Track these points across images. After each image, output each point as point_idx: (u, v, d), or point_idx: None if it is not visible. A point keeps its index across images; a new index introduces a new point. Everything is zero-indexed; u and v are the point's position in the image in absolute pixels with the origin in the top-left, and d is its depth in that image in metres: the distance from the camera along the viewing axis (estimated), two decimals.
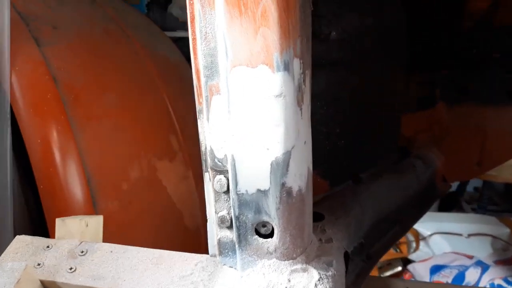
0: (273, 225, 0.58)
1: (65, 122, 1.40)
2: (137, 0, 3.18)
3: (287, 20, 0.50)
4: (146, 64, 1.75)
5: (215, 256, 0.66)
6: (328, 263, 0.63)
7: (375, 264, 0.80)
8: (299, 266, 0.60)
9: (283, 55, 0.51)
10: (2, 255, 0.82)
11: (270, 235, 0.59)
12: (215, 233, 0.64)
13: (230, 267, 0.65)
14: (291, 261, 0.59)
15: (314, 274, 0.59)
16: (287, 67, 0.51)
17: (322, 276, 0.59)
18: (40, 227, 1.41)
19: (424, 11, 1.04)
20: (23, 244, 0.85)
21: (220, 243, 0.63)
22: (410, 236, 2.13)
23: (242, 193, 0.58)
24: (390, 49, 0.97)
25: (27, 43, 1.42)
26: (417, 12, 1.03)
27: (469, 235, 2.17)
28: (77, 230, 0.91)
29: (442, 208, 2.70)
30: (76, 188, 1.40)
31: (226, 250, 0.63)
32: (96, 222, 0.97)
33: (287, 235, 0.58)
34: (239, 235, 0.60)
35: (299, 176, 0.57)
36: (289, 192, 0.56)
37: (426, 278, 1.88)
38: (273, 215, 0.57)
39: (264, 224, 0.59)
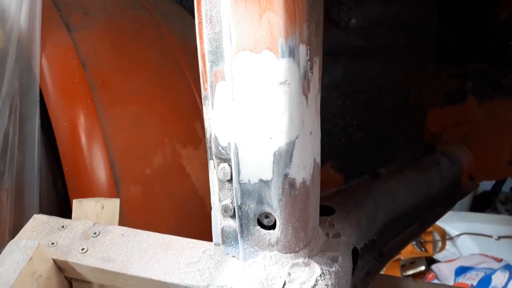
0: (275, 216, 0.57)
1: (91, 106, 1.43)
2: None
3: (293, 4, 0.48)
4: (174, 51, 1.76)
5: (218, 245, 0.65)
6: (333, 258, 0.60)
7: (387, 262, 0.77)
8: (301, 260, 0.58)
9: (288, 40, 0.49)
10: (20, 233, 0.84)
11: (273, 226, 0.58)
12: (218, 221, 0.63)
13: (233, 256, 0.64)
14: (293, 254, 0.58)
15: (316, 269, 0.57)
16: (292, 53, 0.49)
17: (324, 272, 0.57)
18: (66, 207, 1.45)
19: (457, 0, 0.98)
20: (40, 223, 0.88)
21: (223, 232, 0.62)
22: (436, 235, 2.05)
23: (245, 183, 0.56)
24: (418, 39, 0.92)
25: (58, 28, 1.46)
26: (449, 1, 0.97)
27: (499, 237, 2.07)
28: (92, 212, 0.93)
29: (474, 208, 2.58)
30: (100, 171, 1.43)
31: (229, 240, 0.62)
32: (113, 205, 0.98)
33: (289, 228, 0.56)
34: (241, 225, 0.59)
35: (303, 167, 0.55)
36: (292, 183, 0.55)
37: (451, 279, 1.81)
38: (275, 207, 0.56)
39: (267, 215, 0.58)
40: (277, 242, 0.57)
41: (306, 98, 0.53)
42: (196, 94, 1.91)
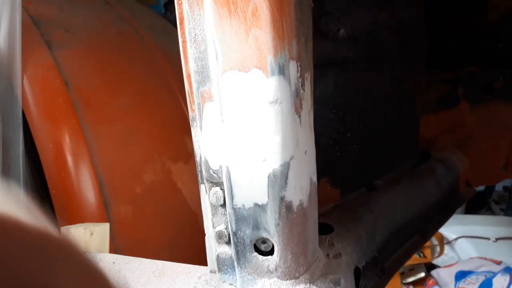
0: (273, 242, 0.54)
1: (77, 126, 1.39)
2: (155, 1, 3.17)
3: (281, 19, 0.45)
4: (160, 65, 1.73)
5: (214, 272, 0.62)
6: (335, 282, 0.58)
7: (390, 279, 0.74)
8: (302, 286, 0.55)
9: (277, 57, 0.46)
10: None
11: (271, 252, 0.55)
12: (213, 248, 0.60)
13: (230, 284, 0.60)
14: (293, 280, 0.55)
15: None
16: (282, 70, 0.47)
17: None
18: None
19: (446, 3, 0.97)
20: None
21: (219, 259, 0.59)
22: (434, 240, 2.03)
23: (239, 208, 0.53)
24: (408, 45, 0.90)
25: (39, 47, 1.42)
26: (438, 4, 0.96)
27: (497, 239, 2.06)
28: (81, 239, 0.89)
29: (469, 209, 2.57)
30: (88, 192, 1.39)
31: (225, 267, 0.59)
32: (102, 231, 0.95)
33: (288, 253, 0.53)
34: (237, 252, 0.56)
35: (300, 189, 0.52)
36: (288, 206, 0.52)
37: (451, 285, 1.78)
38: (272, 232, 0.53)
39: (264, 240, 0.55)
40: (276, 269, 0.54)
41: (299, 116, 0.50)
42: (184, 108, 1.88)
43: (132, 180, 1.51)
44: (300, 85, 0.49)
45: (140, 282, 0.75)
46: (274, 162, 0.50)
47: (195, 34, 0.50)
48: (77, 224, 0.93)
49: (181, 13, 0.50)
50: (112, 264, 0.80)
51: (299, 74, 0.49)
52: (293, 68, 0.48)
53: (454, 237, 2.07)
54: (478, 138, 1.03)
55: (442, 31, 1.00)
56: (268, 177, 0.50)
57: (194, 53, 0.51)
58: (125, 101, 1.53)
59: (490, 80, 1.00)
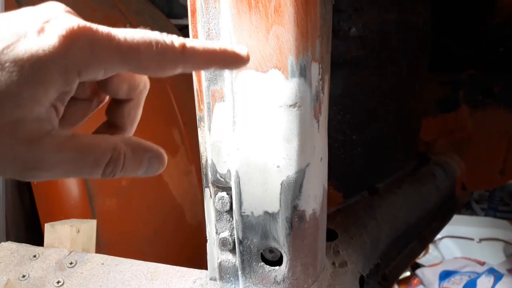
0: (282, 252, 0.51)
1: None
2: None
3: (306, 17, 0.42)
4: None
5: (215, 280, 0.59)
6: None
7: (391, 286, 0.72)
8: None
9: (300, 58, 0.43)
10: None
11: (278, 262, 0.52)
12: (215, 255, 0.57)
13: None
14: None
15: None
16: (303, 72, 0.43)
17: None
18: (35, 225, 1.35)
19: (450, 6, 0.95)
20: (8, 252, 0.79)
21: (221, 267, 0.56)
22: None
23: (247, 215, 0.50)
24: (415, 47, 0.88)
25: None
26: (443, 6, 0.94)
27: (481, 240, 2.09)
28: (67, 237, 0.84)
29: None
30: (71, 184, 1.33)
31: (228, 275, 0.56)
32: (89, 228, 0.90)
33: (297, 264, 0.51)
34: (242, 261, 0.53)
35: (314, 197, 0.49)
36: (301, 216, 0.49)
37: (435, 284, 1.80)
38: (282, 242, 0.50)
39: (272, 250, 0.52)
40: (283, 280, 0.52)
41: (318, 122, 0.47)
42: (173, 99, 1.83)
43: None
44: (320, 88, 0.46)
45: (132, 285, 0.71)
46: (288, 169, 0.47)
47: (208, 29, 0.46)
48: (63, 221, 0.88)
49: (193, 4, 0.46)
50: (101, 265, 0.76)
51: (320, 76, 0.46)
52: (315, 70, 0.45)
53: (439, 237, 2.09)
54: (476, 142, 1.03)
55: (444, 33, 0.98)
56: (282, 184, 0.47)
57: None
58: None
59: (490, 84, 0.99)
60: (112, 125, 0.39)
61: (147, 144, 0.37)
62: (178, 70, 0.33)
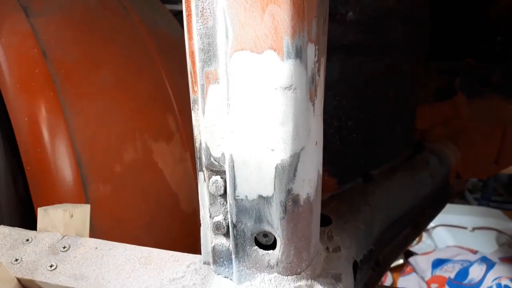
0: (276, 236, 0.51)
1: (54, 99, 1.31)
2: None
3: None
4: (144, 38, 1.66)
5: (208, 264, 0.59)
6: (336, 277, 0.55)
7: (385, 272, 0.73)
8: (303, 282, 0.52)
9: (295, 39, 0.42)
10: None
11: (272, 246, 0.52)
12: (209, 239, 0.56)
13: (225, 277, 0.57)
14: (294, 276, 0.52)
15: None
16: (299, 54, 0.43)
17: None
18: (28, 211, 1.34)
19: None
20: (1, 236, 0.78)
21: (214, 251, 0.56)
22: None
23: (241, 199, 0.50)
24: (413, 34, 0.87)
25: (15, 13, 1.33)
26: None
27: (474, 229, 2.11)
28: (60, 221, 0.84)
29: None
30: (65, 170, 1.32)
31: (221, 259, 0.56)
32: (83, 213, 0.89)
33: (291, 248, 0.51)
34: (236, 245, 0.52)
35: (308, 181, 0.49)
36: (295, 200, 0.49)
37: (428, 272, 1.82)
38: (276, 225, 0.50)
39: (266, 234, 0.52)
40: (277, 264, 0.51)
41: (313, 105, 0.46)
42: (168, 85, 1.81)
43: (111, 158, 1.46)
44: (316, 70, 0.45)
45: (125, 269, 0.71)
46: (283, 153, 0.46)
47: (202, 8, 0.45)
48: (56, 205, 0.87)
49: None
50: (95, 249, 0.76)
51: (316, 58, 0.45)
52: (311, 51, 0.44)
53: (432, 225, 2.10)
54: (471, 131, 1.02)
55: (442, 22, 0.98)
56: (276, 168, 0.47)
57: (200, 28, 0.46)
58: (106, 74, 1.46)
59: (487, 73, 0.99)
60: None
61: None
62: None
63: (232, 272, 0.55)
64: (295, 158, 0.47)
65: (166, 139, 1.72)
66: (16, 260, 0.73)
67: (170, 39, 1.84)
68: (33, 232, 0.79)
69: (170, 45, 1.80)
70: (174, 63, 1.78)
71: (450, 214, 2.12)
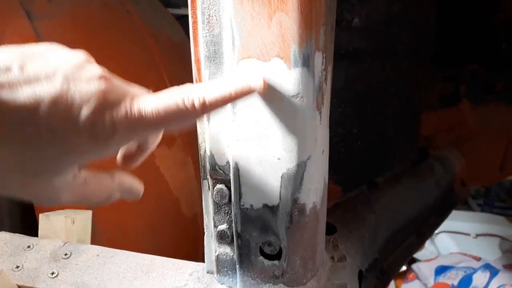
0: (281, 246, 0.50)
1: None
2: None
3: (310, 4, 0.40)
4: (146, 42, 1.65)
5: (212, 273, 0.58)
6: (342, 287, 0.54)
7: (390, 281, 0.72)
8: None
9: (303, 47, 0.41)
10: None
11: (277, 256, 0.51)
12: (213, 248, 0.56)
13: (229, 287, 0.57)
14: (300, 287, 0.51)
15: None
16: (306, 62, 0.42)
17: None
18: (29, 216, 1.33)
19: (455, 1, 0.94)
20: (2, 242, 0.78)
21: (218, 260, 0.55)
22: None
23: (246, 208, 0.49)
24: (418, 41, 0.87)
25: (18, 17, 1.32)
26: (447, 1, 0.93)
27: (477, 235, 2.09)
28: (62, 227, 0.83)
29: None
30: None
31: (225, 269, 0.55)
32: (84, 219, 0.89)
33: (297, 258, 0.50)
34: (240, 255, 0.52)
35: (314, 190, 0.48)
36: (301, 209, 0.48)
37: (431, 279, 1.81)
38: (281, 235, 0.49)
39: (270, 243, 0.51)
40: (282, 274, 0.51)
41: (320, 113, 0.46)
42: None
43: (112, 161, 1.44)
44: (323, 79, 0.45)
45: (127, 277, 0.70)
46: (289, 162, 0.46)
47: (209, 15, 0.44)
48: (57, 211, 0.87)
49: None
50: (97, 256, 0.75)
51: (323, 66, 0.44)
52: (318, 60, 0.43)
53: (435, 231, 2.08)
54: (476, 138, 1.02)
55: (447, 28, 0.97)
56: (282, 177, 0.46)
57: (206, 36, 0.45)
58: None
59: (491, 80, 0.98)
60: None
61: (134, 187, 0.47)
62: None
63: (236, 282, 0.55)
64: (301, 167, 0.46)
65: (167, 144, 1.72)
66: (17, 267, 0.72)
67: (173, 43, 1.84)
68: (35, 238, 0.79)
69: (173, 49, 1.80)
70: (177, 66, 1.77)
71: (453, 220, 2.10)
